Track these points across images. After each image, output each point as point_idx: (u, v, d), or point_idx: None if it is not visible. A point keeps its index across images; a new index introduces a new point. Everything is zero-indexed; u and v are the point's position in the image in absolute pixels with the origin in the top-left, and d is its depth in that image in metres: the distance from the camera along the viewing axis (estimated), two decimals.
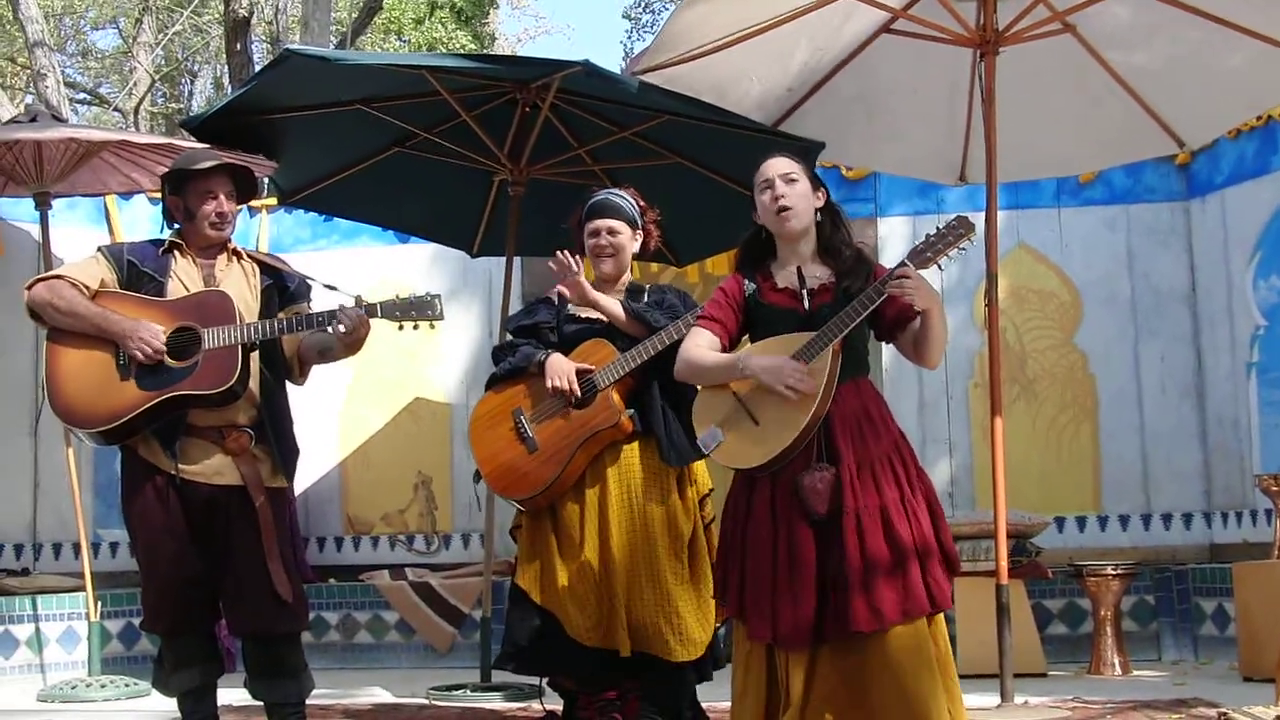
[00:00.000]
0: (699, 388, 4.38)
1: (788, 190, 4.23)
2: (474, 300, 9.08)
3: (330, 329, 4.81)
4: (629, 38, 26.03)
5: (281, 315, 4.90)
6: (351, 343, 4.87)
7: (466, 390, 8.98)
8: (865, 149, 7.28)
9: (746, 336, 4.35)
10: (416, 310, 4.82)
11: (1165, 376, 8.37)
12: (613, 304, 5.24)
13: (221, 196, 4.91)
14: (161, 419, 4.71)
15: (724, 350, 4.28)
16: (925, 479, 4.18)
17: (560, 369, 5.15)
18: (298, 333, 4.85)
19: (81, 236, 8.25)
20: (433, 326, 4.92)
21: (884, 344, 4.50)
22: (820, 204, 4.29)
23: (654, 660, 5.04)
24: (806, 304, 4.19)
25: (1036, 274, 8.57)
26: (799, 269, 4.25)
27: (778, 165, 4.29)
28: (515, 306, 7.42)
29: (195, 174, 4.93)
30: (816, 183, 4.32)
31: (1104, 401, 8.42)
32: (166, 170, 5.11)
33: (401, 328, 4.88)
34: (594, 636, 5.03)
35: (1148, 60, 6.57)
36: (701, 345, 4.30)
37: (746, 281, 4.34)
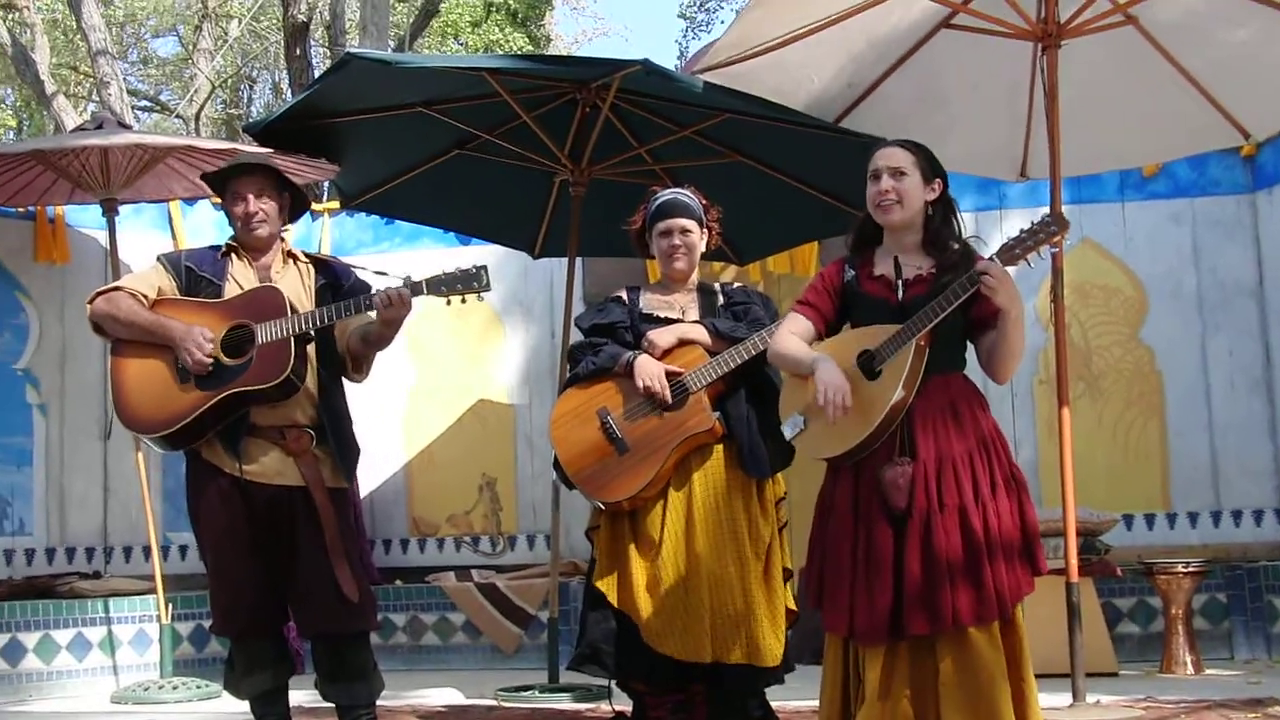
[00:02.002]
0: (785, 376, 4.38)
1: (893, 184, 4.18)
2: (536, 301, 9.09)
3: (372, 309, 4.78)
4: (685, 37, 26.02)
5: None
6: (389, 320, 4.80)
7: (530, 392, 9.00)
8: (926, 144, 7.21)
9: (849, 323, 4.33)
10: (463, 283, 4.76)
11: (1234, 371, 8.28)
12: (699, 332, 5.22)
13: (250, 197, 4.94)
14: (225, 419, 4.75)
15: (820, 335, 4.27)
16: (1018, 477, 4.11)
17: (652, 370, 5.10)
18: (344, 322, 4.85)
19: (147, 242, 8.33)
20: (480, 298, 4.84)
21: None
22: (934, 196, 4.22)
23: (727, 666, 5.02)
24: (900, 295, 4.15)
25: (1101, 269, 8.48)
26: (896, 259, 4.20)
27: (888, 157, 4.23)
28: (578, 307, 7.42)
29: (228, 180, 4.99)
30: (933, 174, 4.23)
31: (1171, 398, 8.33)
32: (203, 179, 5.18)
33: (449, 302, 4.81)
34: (668, 644, 5.00)
35: (1211, 51, 6.50)
36: (794, 332, 4.29)
37: (847, 268, 4.31)
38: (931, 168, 4.23)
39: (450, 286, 4.77)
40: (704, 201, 5.40)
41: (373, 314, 4.83)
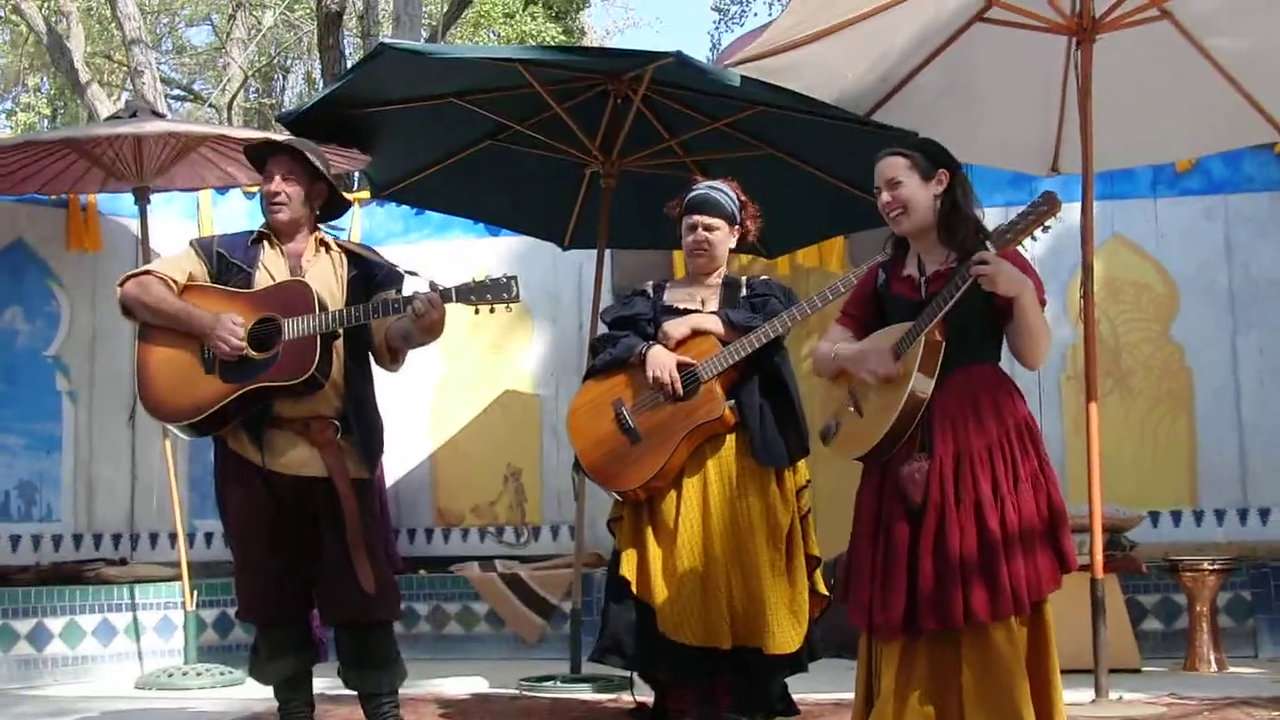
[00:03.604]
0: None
1: (892, 195, 4.18)
2: (565, 293, 9.09)
3: (402, 313, 4.77)
4: (717, 29, 25.96)
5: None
6: (427, 327, 4.77)
7: (556, 383, 9.00)
8: (956, 139, 7.03)
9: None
10: (492, 293, 4.74)
11: (1264, 369, 8.21)
12: (713, 322, 5.22)
13: (277, 178, 4.95)
14: (248, 410, 4.77)
15: (857, 341, 4.26)
16: (1048, 471, 4.07)
17: (662, 361, 5.13)
18: (376, 319, 4.83)
19: (179, 230, 8.34)
20: (509, 309, 4.83)
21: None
22: (941, 189, 4.19)
23: (745, 653, 5.02)
24: (923, 292, 4.14)
25: (1132, 265, 8.44)
26: (919, 257, 4.20)
27: (884, 170, 4.22)
28: (606, 299, 7.42)
29: (265, 160, 5.02)
30: (934, 167, 4.20)
31: (1200, 395, 8.28)
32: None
33: (478, 311, 4.80)
34: (684, 631, 5.01)
35: (1246, 45, 6.47)
36: (834, 340, 4.31)
37: (880, 272, 4.32)
38: (932, 162, 4.22)
39: (480, 296, 4.75)
40: (742, 198, 5.39)
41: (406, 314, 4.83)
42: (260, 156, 5.06)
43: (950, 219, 4.17)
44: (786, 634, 5.00)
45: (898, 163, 4.22)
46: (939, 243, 4.20)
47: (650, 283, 5.54)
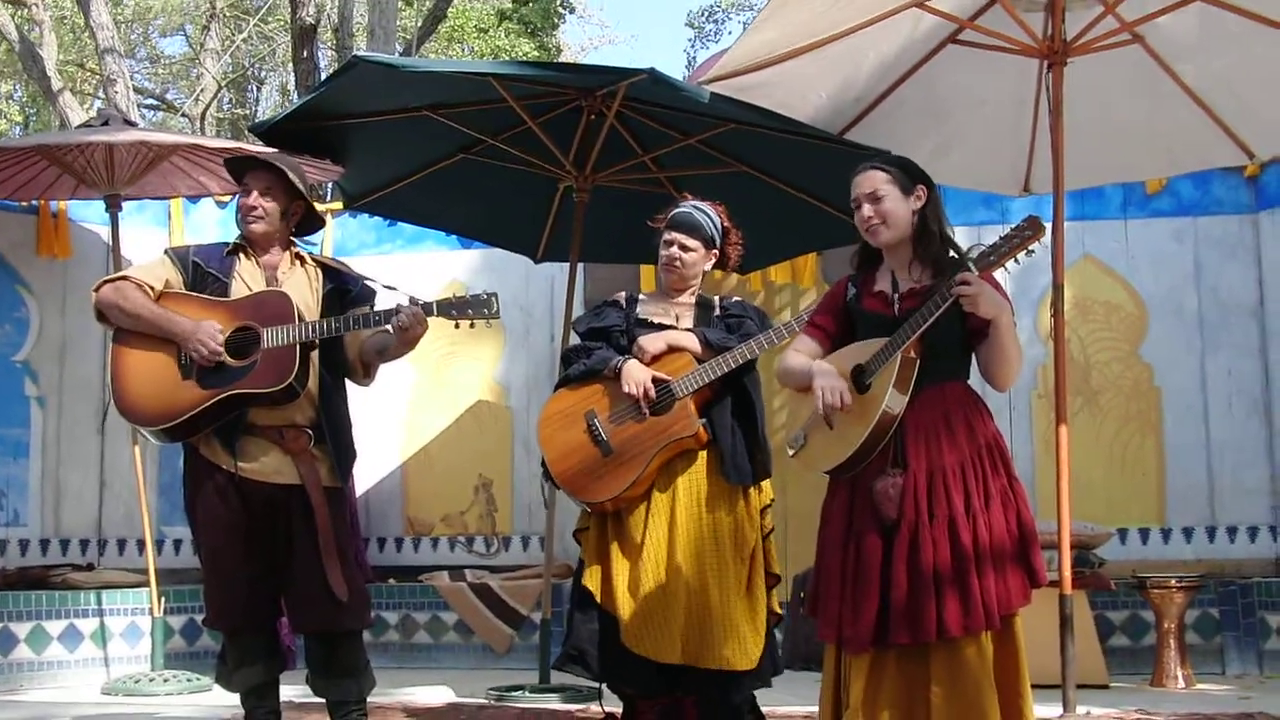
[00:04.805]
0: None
1: (873, 209, 4.18)
2: (537, 306, 9.11)
3: (389, 327, 4.82)
4: (692, 46, 26.09)
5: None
6: (408, 340, 4.83)
7: (528, 394, 9.01)
8: (929, 159, 7.15)
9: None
10: (473, 309, 4.81)
11: (1232, 390, 8.30)
12: (690, 340, 5.24)
13: (255, 192, 4.97)
14: (223, 417, 4.77)
15: (826, 354, 4.27)
16: (1016, 488, 4.10)
17: (637, 377, 5.12)
18: (355, 331, 4.87)
19: (149, 239, 8.38)
20: (489, 325, 4.91)
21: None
22: (919, 205, 4.20)
23: (707, 669, 5.02)
24: (895, 308, 4.16)
25: (1102, 286, 8.51)
26: (892, 273, 4.21)
27: (864, 183, 4.22)
28: (578, 313, 7.43)
29: (244, 173, 5.03)
30: (913, 183, 4.21)
31: (1169, 414, 8.35)
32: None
33: (458, 326, 4.86)
34: (645, 645, 5.01)
35: (1217, 70, 6.52)
36: (800, 351, 4.31)
37: (850, 285, 4.33)
38: (911, 177, 4.22)
39: (461, 311, 4.82)
40: (726, 224, 5.39)
41: (388, 328, 4.85)
42: (240, 169, 5.07)
43: (925, 236, 4.19)
44: (748, 649, 4.99)
45: (879, 176, 4.22)
46: (913, 259, 4.22)
47: (622, 294, 5.52)
